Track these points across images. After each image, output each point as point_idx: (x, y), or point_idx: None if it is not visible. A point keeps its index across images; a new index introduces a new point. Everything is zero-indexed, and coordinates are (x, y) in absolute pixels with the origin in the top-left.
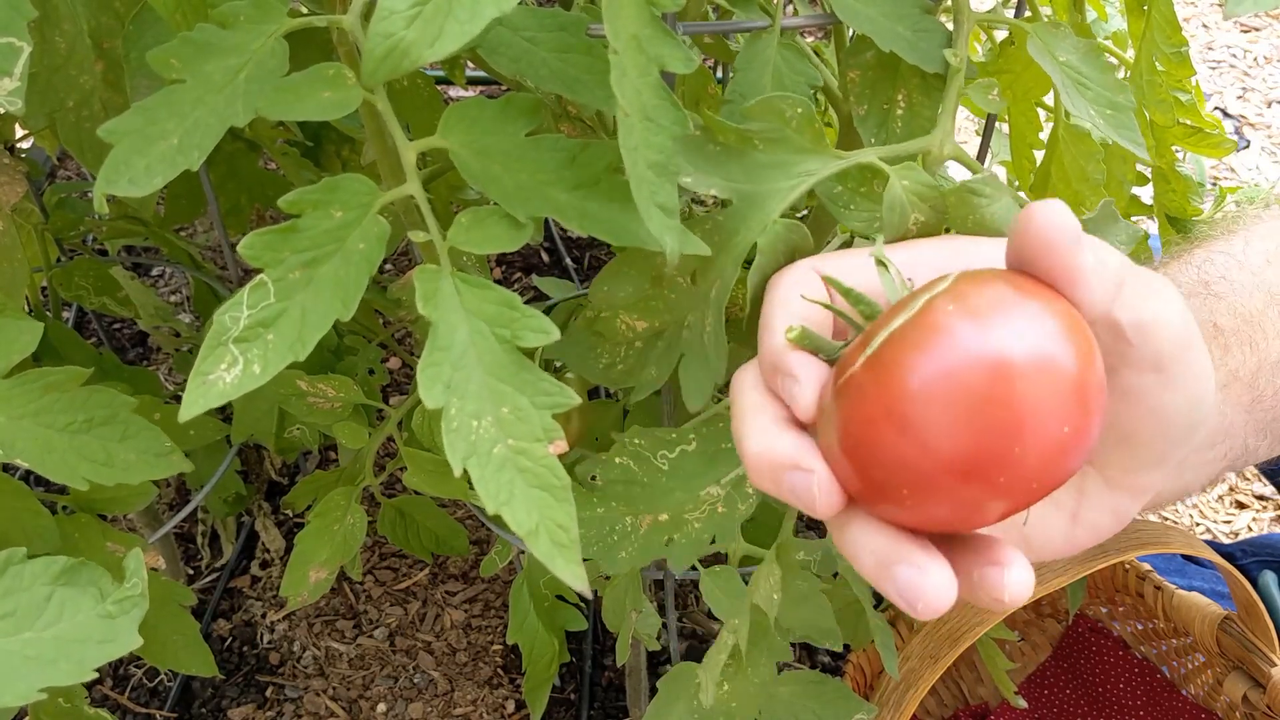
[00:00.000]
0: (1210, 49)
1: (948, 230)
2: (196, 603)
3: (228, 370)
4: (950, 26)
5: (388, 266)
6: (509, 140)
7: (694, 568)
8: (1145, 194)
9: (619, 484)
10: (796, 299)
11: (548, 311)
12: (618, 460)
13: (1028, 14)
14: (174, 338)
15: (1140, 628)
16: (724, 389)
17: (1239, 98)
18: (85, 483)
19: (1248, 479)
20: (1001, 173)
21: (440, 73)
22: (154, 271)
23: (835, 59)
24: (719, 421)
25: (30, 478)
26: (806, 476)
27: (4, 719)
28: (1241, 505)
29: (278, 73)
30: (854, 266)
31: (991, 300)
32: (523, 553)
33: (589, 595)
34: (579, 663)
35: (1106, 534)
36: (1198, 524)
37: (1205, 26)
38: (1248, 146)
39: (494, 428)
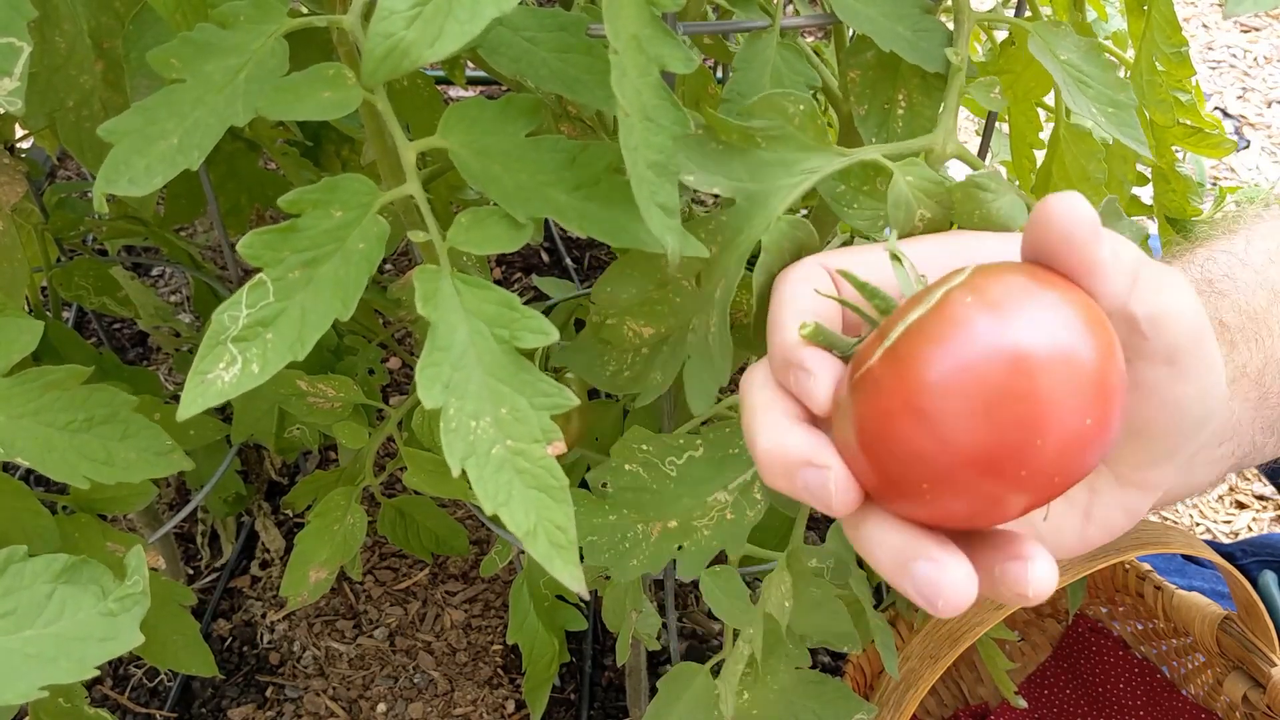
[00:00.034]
0: (1210, 49)
1: (953, 226)
2: (196, 603)
3: (226, 369)
4: (950, 26)
5: (388, 266)
6: (509, 140)
7: None
8: (1145, 194)
9: (629, 491)
10: (805, 295)
11: (547, 312)
12: (627, 467)
13: (1028, 14)
14: (174, 338)
15: (1140, 628)
16: (725, 389)
17: (1239, 98)
18: (86, 481)
19: (1248, 479)
20: (1002, 172)
21: (440, 73)
22: (154, 271)
23: (835, 59)
24: (726, 426)
25: (30, 477)
26: (822, 473)
27: (4, 717)
28: (1241, 505)
29: (278, 73)
30: (862, 262)
31: (1010, 292)
32: (522, 553)
33: (587, 596)
34: (579, 663)
35: (1119, 531)
36: (1198, 524)
37: (1205, 26)
38: (1248, 146)
39: (492, 428)
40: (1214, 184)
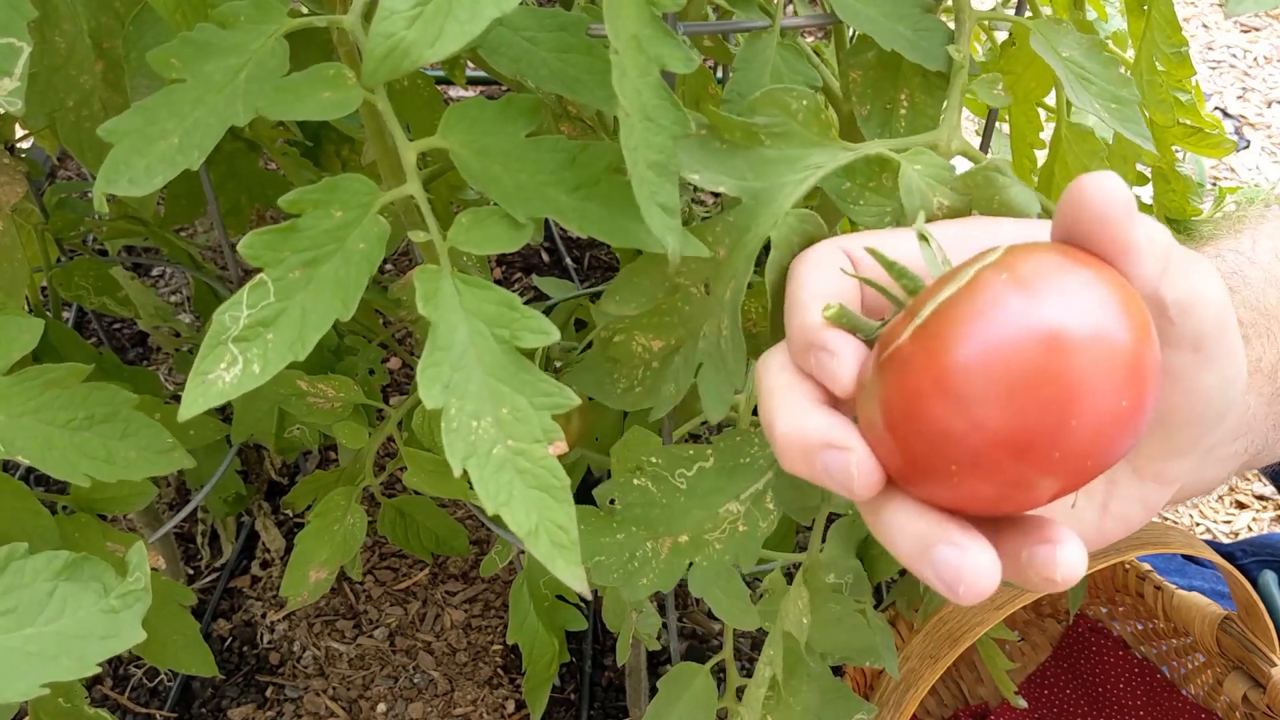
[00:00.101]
0: (1210, 49)
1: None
2: (196, 603)
3: (227, 370)
4: (951, 25)
5: (388, 266)
6: (509, 140)
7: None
8: (1145, 194)
9: (638, 506)
10: (824, 278)
11: (548, 312)
12: (636, 482)
13: (1029, 14)
14: (174, 338)
15: (1140, 628)
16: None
17: (1239, 98)
18: (86, 479)
19: (1248, 479)
20: None
21: (440, 73)
22: (154, 271)
23: (835, 59)
24: (736, 435)
25: (30, 477)
26: (844, 455)
27: (5, 716)
28: (1241, 505)
29: (278, 73)
30: (883, 244)
31: (1045, 271)
32: (523, 553)
33: (589, 596)
34: (579, 663)
35: (1136, 526)
36: (1198, 524)
37: (1205, 26)
38: (1248, 146)
39: (493, 428)
40: (1214, 184)
